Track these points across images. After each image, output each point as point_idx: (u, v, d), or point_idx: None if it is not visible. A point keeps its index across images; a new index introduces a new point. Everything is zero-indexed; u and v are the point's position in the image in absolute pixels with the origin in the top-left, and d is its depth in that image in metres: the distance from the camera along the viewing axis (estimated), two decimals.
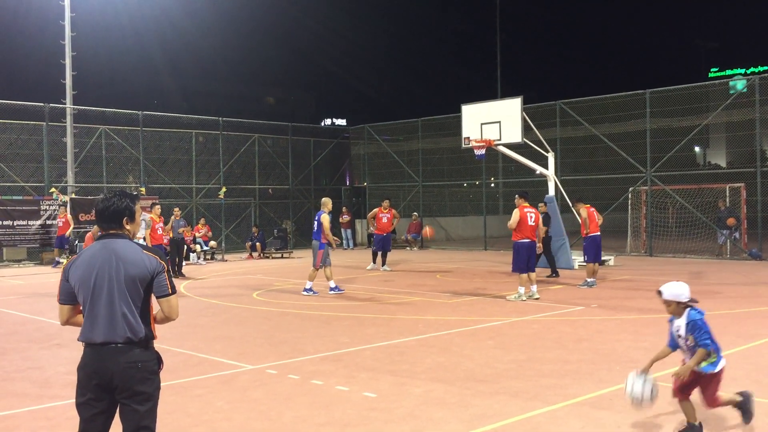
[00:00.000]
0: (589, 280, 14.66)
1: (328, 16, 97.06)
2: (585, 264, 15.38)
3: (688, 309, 5.09)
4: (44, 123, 23.71)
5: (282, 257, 24.42)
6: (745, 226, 21.40)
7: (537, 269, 13.67)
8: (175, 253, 18.12)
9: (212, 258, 24.09)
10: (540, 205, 16.72)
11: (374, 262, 19.65)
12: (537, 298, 12.87)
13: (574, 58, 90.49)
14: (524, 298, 12.77)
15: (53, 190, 22.89)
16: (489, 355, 8.20)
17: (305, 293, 14.02)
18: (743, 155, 26.36)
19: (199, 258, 22.90)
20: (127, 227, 3.96)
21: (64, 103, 23.84)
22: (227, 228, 27.23)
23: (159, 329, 4.04)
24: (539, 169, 19.93)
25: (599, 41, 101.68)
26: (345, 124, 63.04)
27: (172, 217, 18.70)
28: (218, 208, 27.18)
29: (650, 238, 22.74)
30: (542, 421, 5.75)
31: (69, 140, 23.67)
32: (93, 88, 42.09)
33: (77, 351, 4.10)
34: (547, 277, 16.20)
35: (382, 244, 19.43)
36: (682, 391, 5.10)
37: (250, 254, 24.53)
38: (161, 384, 3.94)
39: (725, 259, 20.88)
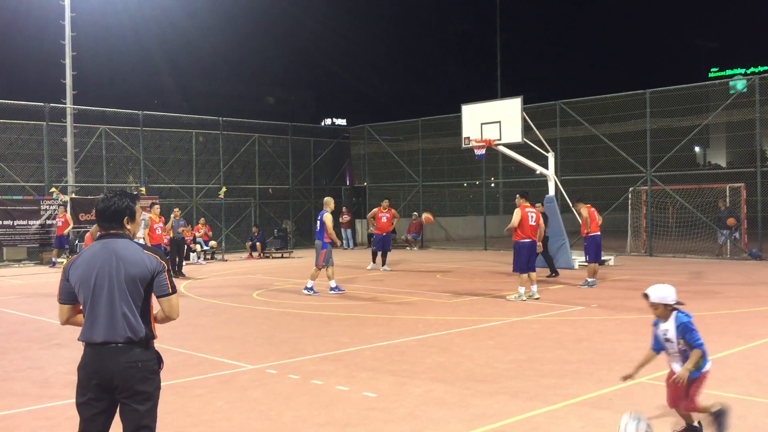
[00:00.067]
0: (589, 280, 14.66)
1: (328, 16, 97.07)
2: (586, 264, 15.39)
3: (675, 312, 5.02)
4: (44, 123, 23.71)
5: (282, 257, 24.42)
6: (745, 226, 21.40)
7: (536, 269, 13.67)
8: (175, 253, 18.12)
9: (212, 258, 24.09)
10: (537, 205, 16.73)
11: (374, 261, 19.65)
12: (537, 298, 12.87)
13: (574, 58, 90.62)
14: (524, 298, 12.77)
15: (53, 189, 22.89)
16: (489, 355, 8.20)
17: (306, 292, 14.03)
18: (743, 155, 26.36)
19: (199, 258, 22.90)
20: (128, 227, 3.97)
21: (64, 103, 23.84)
22: (227, 228, 27.23)
23: (159, 329, 4.04)
24: (539, 169, 19.93)
25: (599, 41, 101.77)
26: (345, 124, 63.10)
27: (172, 216, 18.71)
28: (218, 208, 27.18)
29: (650, 238, 22.74)
30: (542, 421, 5.75)
31: (69, 140, 23.67)
32: (93, 88, 42.07)
33: (77, 351, 4.10)
34: (547, 277, 16.20)
35: (381, 244, 19.43)
36: (679, 397, 5.05)
37: (250, 254, 24.53)
38: (161, 384, 3.94)
39: (725, 259, 20.88)
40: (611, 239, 22.27)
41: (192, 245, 22.61)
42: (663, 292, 5.01)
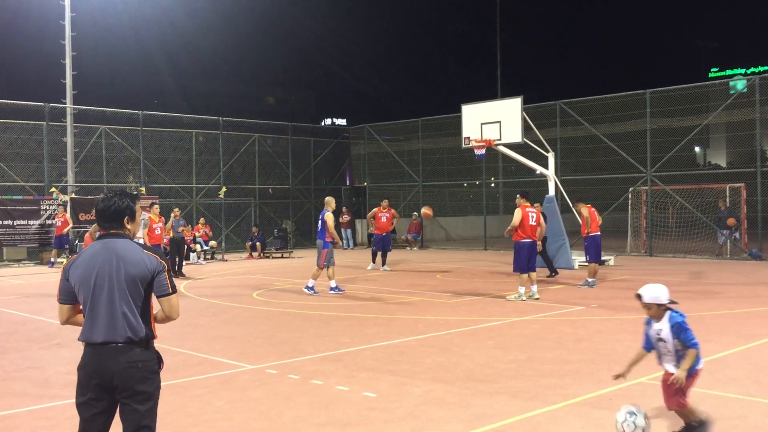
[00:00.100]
0: (589, 280, 14.67)
1: (328, 16, 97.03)
2: (586, 264, 15.39)
3: (668, 312, 4.99)
4: (44, 123, 23.72)
5: (282, 257, 24.42)
6: (745, 226, 21.40)
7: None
8: (175, 253, 18.12)
9: (212, 258, 24.10)
10: (536, 205, 16.74)
11: (374, 262, 19.65)
12: (537, 298, 12.87)
13: (574, 58, 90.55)
14: (524, 298, 12.77)
15: (53, 189, 22.89)
16: (489, 355, 8.20)
17: (306, 291, 14.05)
18: (743, 155, 26.35)
19: (199, 258, 22.90)
20: (128, 227, 3.97)
21: (64, 103, 23.85)
22: (227, 228, 27.24)
23: (159, 329, 4.04)
24: (539, 169, 19.93)
25: (599, 41, 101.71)
26: (345, 124, 63.08)
27: (172, 216, 18.72)
28: (218, 208, 27.19)
29: (650, 238, 22.74)
30: (542, 421, 5.75)
31: (69, 140, 23.68)
32: (93, 87, 42.07)
33: (77, 351, 4.10)
34: (547, 277, 16.19)
35: (381, 244, 19.43)
36: (670, 394, 5.03)
37: (250, 254, 24.53)
38: (161, 384, 3.94)
39: (725, 259, 20.88)
40: (611, 239, 22.28)
41: (192, 245, 22.62)
42: (656, 292, 4.98)
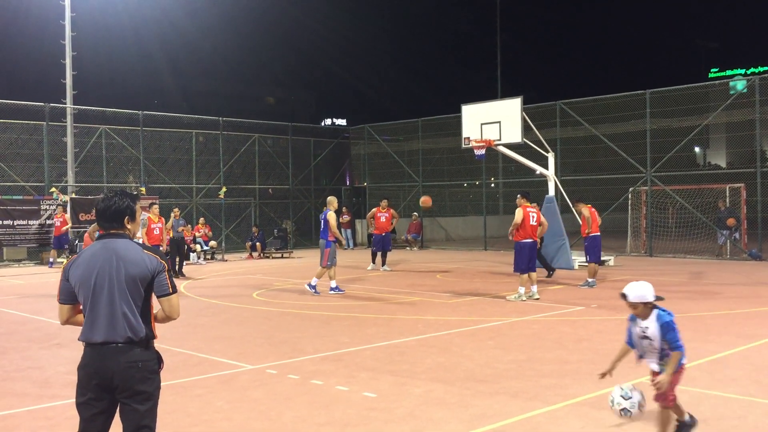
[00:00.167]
0: (589, 280, 14.67)
1: (328, 16, 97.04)
2: (586, 264, 15.39)
3: (655, 310, 4.91)
4: (44, 123, 23.71)
5: (282, 257, 24.42)
6: (745, 226, 21.41)
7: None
8: (175, 253, 18.12)
9: (212, 258, 24.09)
10: (533, 204, 16.75)
11: (374, 262, 19.65)
12: (537, 299, 12.87)
13: (574, 58, 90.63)
14: (524, 299, 12.77)
15: (53, 189, 22.89)
16: (489, 356, 8.20)
17: (308, 288, 14.06)
18: (743, 156, 26.35)
19: (199, 258, 22.90)
20: (128, 227, 3.97)
21: (65, 103, 23.85)
22: (227, 228, 27.24)
23: (159, 329, 4.04)
24: (539, 170, 19.93)
25: (599, 41, 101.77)
26: (345, 124, 63.09)
27: (172, 216, 18.71)
28: (218, 208, 27.19)
29: (650, 238, 22.74)
30: (542, 421, 5.75)
31: (69, 140, 23.68)
32: (93, 88, 42.10)
33: (77, 351, 4.10)
34: (545, 277, 16.19)
35: (381, 244, 19.43)
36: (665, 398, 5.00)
37: (250, 254, 24.53)
38: (161, 384, 3.94)
39: (725, 259, 20.88)
40: (611, 239, 22.28)
41: (192, 245, 22.62)
42: (641, 291, 4.88)
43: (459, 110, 20.62)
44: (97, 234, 4.04)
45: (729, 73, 57.50)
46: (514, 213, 13.26)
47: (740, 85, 24.20)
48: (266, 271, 19.25)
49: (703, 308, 11.48)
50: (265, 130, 30.22)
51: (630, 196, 23.61)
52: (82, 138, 24.73)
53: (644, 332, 4.93)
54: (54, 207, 22.51)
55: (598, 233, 14.99)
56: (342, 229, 27.88)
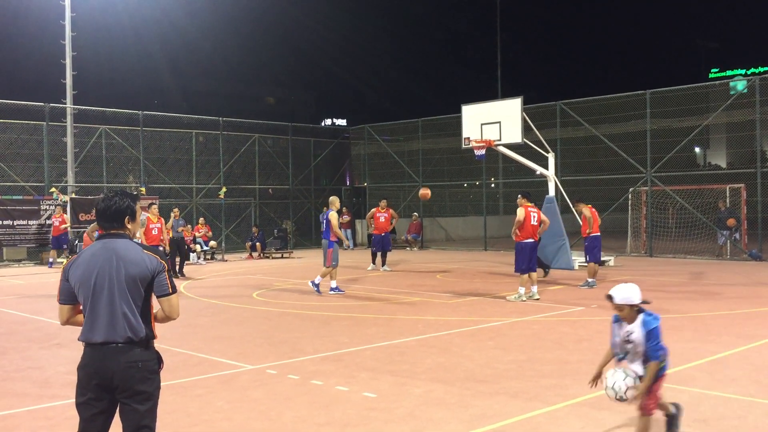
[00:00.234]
0: (589, 280, 14.67)
1: (328, 16, 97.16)
2: (586, 264, 15.39)
3: (641, 315, 4.84)
4: (44, 123, 23.71)
5: (282, 257, 24.42)
6: (745, 226, 21.41)
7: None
8: (175, 253, 18.11)
9: (212, 258, 24.10)
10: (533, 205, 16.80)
11: (374, 262, 19.65)
12: (537, 299, 12.87)
13: (574, 58, 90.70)
14: (524, 299, 12.77)
15: (53, 189, 22.89)
16: (489, 356, 8.19)
17: (311, 285, 14.11)
18: (743, 156, 26.36)
19: (199, 258, 22.90)
20: (129, 227, 3.97)
21: (65, 103, 23.85)
22: (227, 228, 27.24)
23: (159, 329, 4.04)
24: (539, 170, 19.93)
25: (599, 41, 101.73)
26: (345, 124, 63.09)
27: (172, 216, 18.70)
28: (218, 208, 27.19)
29: (650, 238, 22.74)
30: (542, 421, 5.75)
31: (69, 140, 23.68)
32: (93, 88, 42.04)
33: (77, 351, 4.10)
34: (544, 277, 16.19)
35: (381, 244, 19.43)
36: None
37: (250, 254, 24.53)
38: (161, 384, 3.94)
39: (725, 259, 20.88)
40: (611, 240, 22.28)
41: (192, 245, 22.61)
42: (627, 293, 4.82)
43: (459, 110, 20.61)
44: (96, 234, 4.04)
45: (729, 73, 57.51)
46: (514, 213, 13.29)
47: (740, 85, 24.20)
48: (266, 272, 19.25)
49: (703, 308, 11.48)
50: (265, 130, 30.22)
51: (630, 197, 23.61)
52: (82, 138, 24.73)
53: (628, 336, 4.87)
54: (53, 207, 22.51)
55: (599, 233, 15.00)
56: (342, 230, 27.87)
